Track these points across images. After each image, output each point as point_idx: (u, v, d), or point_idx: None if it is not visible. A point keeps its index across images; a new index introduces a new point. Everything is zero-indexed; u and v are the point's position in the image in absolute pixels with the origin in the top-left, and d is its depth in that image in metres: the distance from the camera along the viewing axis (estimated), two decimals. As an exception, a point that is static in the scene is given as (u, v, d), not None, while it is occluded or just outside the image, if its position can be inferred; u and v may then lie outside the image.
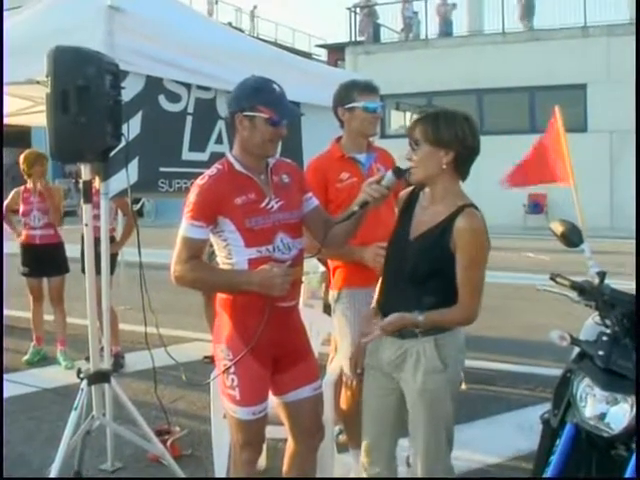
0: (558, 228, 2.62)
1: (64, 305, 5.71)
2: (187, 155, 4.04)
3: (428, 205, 2.43)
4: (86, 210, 3.35)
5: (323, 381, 2.86)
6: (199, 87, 4.08)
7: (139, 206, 15.80)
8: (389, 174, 2.45)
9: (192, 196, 2.44)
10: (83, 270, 4.03)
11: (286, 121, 2.51)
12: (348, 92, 3.23)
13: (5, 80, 3.58)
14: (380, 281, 2.59)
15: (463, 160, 2.36)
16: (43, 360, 5.72)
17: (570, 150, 5.16)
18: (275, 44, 17.81)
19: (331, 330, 3.52)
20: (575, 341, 2.32)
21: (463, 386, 4.24)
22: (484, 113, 17.68)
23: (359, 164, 3.25)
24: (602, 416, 2.17)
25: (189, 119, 4.05)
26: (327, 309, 3.80)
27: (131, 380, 4.99)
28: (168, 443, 3.69)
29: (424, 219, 2.41)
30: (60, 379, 5.03)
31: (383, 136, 11.06)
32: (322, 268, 4.47)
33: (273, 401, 2.67)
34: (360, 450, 2.62)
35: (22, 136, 14.70)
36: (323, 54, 27.66)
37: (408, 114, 18.85)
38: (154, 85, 3.79)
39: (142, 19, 3.70)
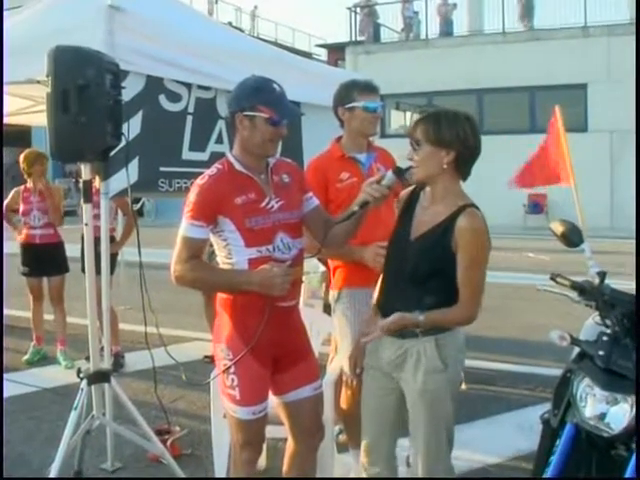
0: (558, 228, 2.62)
1: (64, 305, 5.71)
2: (187, 155, 4.04)
3: (429, 205, 2.43)
4: (86, 210, 3.35)
5: (323, 381, 2.85)
6: (199, 87, 4.08)
7: (139, 206, 15.79)
8: (389, 174, 2.45)
9: (192, 196, 2.44)
10: (83, 270, 4.03)
11: (286, 121, 2.50)
12: (348, 92, 3.23)
13: (5, 80, 3.58)
14: (380, 281, 2.59)
15: (464, 160, 2.36)
16: (43, 360, 5.72)
17: (570, 150, 5.16)
18: (275, 44, 17.80)
19: (331, 330, 3.52)
20: (575, 341, 2.32)
21: (463, 386, 4.24)
22: (484, 113, 17.66)
23: (359, 164, 3.25)
24: (602, 416, 2.18)
25: (189, 119, 4.05)
26: (327, 309, 3.79)
27: (131, 380, 4.99)
28: (168, 443, 3.69)
29: (425, 219, 2.41)
30: (60, 379, 5.03)
31: (383, 136, 11.07)
32: (322, 268, 4.47)
33: (273, 401, 2.66)
34: (360, 450, 2.62)
35: (22, 135, 14.72)
36: (323, 54, 27.67)
37: (408, 114, 18.91)
38: (154, 85, 3.79)
39: (142, 19, 3.70)
